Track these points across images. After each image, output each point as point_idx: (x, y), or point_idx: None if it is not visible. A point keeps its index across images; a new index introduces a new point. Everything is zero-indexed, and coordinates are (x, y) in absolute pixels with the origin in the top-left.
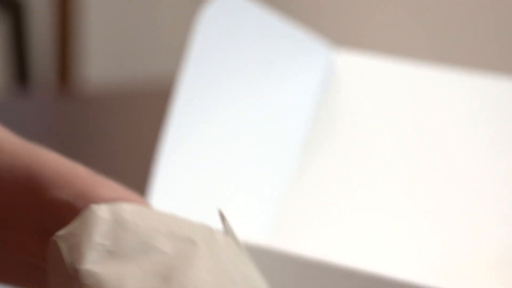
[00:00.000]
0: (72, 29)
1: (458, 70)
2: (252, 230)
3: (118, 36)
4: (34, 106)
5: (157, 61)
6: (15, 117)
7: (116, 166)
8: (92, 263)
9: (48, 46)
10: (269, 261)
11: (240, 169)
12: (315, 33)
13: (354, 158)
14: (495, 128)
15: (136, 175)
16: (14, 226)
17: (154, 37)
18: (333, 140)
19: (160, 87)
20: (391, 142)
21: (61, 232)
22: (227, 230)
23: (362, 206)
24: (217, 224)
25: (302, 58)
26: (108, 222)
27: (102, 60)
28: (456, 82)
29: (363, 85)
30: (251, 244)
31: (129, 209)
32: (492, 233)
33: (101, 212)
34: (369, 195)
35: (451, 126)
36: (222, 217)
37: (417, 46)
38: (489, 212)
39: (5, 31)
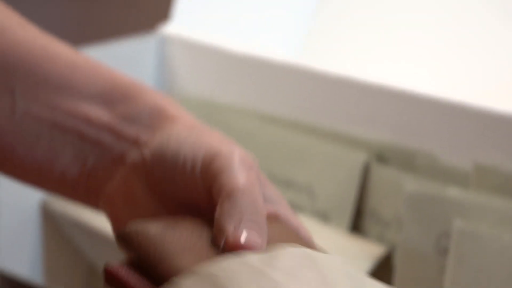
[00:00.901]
0: None
1: None
2: (282, 49)
3: None
4: None
5: None
6: None
7: None
8: None
9: None
10: (296, 78)
11: None
12: None
13: None
14: None
15: None
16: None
17: None
18: None
19: None
20: None
21: None
22: None
23: (390, 27)
24: (250, 46)
25: None
26: None
27: None
28: None
29: None
30: (279, 62)
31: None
32: None
33: None
34: (398, 16)
35: None
36: None
37: None
38: None
39: None
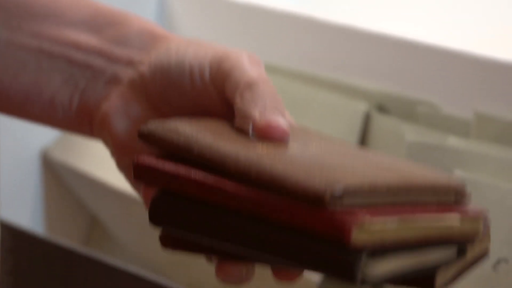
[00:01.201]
0: None
1: None
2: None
3: None
4: None
5: None
6: None
7: None
8: None
9: None
10: (297, 27)
11: None
12: None
13: None
14: None
15: None
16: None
17: None
18: None
19: None
20: None
21: None
22: None
23: None
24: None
25: None
26: None
27: None
28: None
29: None
30: (279, 11)
31: None
32: None
33: None
34: None
35: None
36: None
37: None
38: None
39: None
